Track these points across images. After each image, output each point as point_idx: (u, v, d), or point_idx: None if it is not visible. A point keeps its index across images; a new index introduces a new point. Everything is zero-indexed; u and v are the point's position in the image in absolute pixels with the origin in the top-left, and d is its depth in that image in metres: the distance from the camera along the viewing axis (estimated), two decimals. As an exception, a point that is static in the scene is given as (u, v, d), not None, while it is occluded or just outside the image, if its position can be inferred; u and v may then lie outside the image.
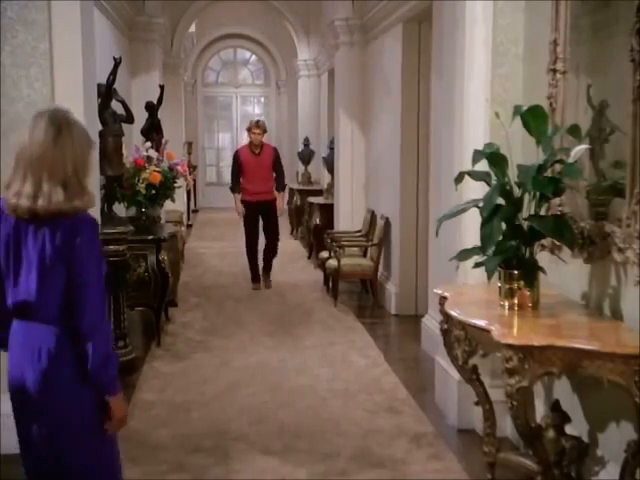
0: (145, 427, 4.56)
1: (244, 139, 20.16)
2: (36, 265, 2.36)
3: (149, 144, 6.87)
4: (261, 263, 9.06)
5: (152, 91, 8.77)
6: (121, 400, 2.55)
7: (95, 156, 2.54)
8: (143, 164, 6.52)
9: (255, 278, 8.93)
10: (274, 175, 8.88)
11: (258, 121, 8.87)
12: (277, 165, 8.90)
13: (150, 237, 6.29)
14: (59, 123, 2.38)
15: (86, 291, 2.38)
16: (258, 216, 8.84)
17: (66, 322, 2.41)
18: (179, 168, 6.94)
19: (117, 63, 6.03)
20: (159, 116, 7.96)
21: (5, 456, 3.90)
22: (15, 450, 3.99)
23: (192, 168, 13.93)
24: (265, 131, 8.81)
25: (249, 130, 8.73)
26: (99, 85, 5.37)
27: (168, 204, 7.43)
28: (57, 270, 2.37)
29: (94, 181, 3.55)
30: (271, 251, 9.04)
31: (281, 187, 9.02)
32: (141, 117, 7.61)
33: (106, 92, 5.92)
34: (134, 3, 9.32)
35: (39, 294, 2.38)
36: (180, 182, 7.19)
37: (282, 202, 9.23)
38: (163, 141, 7.49)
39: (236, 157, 8.91)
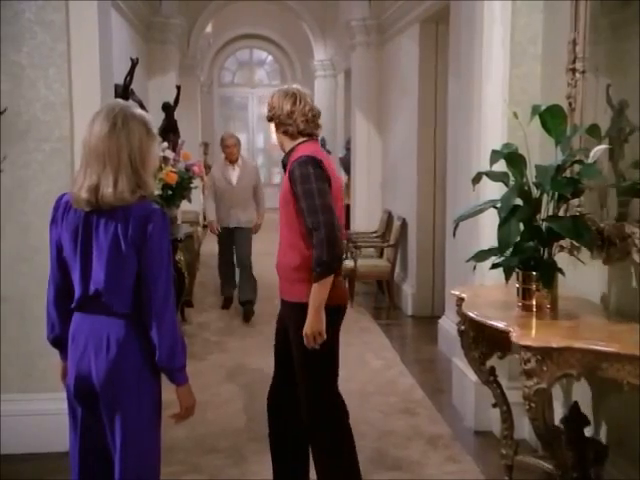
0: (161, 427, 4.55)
1: (260, 141, 19.86)
2: (107, 255, 2.39)
3: (165, 145, 6.88)
4: None
5: (168, 92, 8.82)
6: (189, 390, 2.57)
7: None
8: (159, 164, 6.53)
9: None
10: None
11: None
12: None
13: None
14: (114, 116, 2.41)
15: (155, 281, 2.41)
16: None
17: (134, 311, 2.44)
18: (195, 169, 6.94)
19: (134, 64, 6.06)
20: (175, 117, 7.98)
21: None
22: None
23: (208, 168, 13.94)
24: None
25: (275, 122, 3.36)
26: (116, 86, 5.40)
27: (184, 205, 7.45)
28: (129, 260, 2.40)
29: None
30: None
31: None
32: (158, 118, 7.62)
33: (123, 93, 5.94)
34: (151, 4, 9.36)
35: (110, 284, 2.41)
36: (196, 183, 7.20)
37: None
38: (179, 141, 7.50)
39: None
